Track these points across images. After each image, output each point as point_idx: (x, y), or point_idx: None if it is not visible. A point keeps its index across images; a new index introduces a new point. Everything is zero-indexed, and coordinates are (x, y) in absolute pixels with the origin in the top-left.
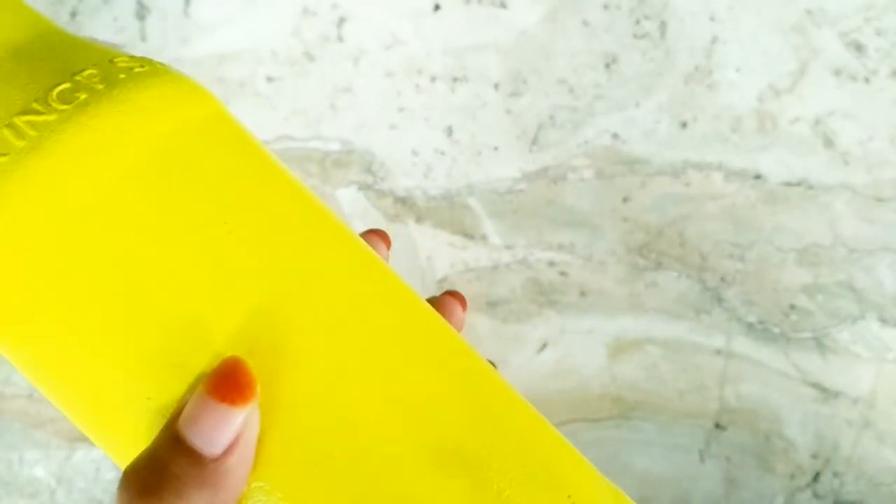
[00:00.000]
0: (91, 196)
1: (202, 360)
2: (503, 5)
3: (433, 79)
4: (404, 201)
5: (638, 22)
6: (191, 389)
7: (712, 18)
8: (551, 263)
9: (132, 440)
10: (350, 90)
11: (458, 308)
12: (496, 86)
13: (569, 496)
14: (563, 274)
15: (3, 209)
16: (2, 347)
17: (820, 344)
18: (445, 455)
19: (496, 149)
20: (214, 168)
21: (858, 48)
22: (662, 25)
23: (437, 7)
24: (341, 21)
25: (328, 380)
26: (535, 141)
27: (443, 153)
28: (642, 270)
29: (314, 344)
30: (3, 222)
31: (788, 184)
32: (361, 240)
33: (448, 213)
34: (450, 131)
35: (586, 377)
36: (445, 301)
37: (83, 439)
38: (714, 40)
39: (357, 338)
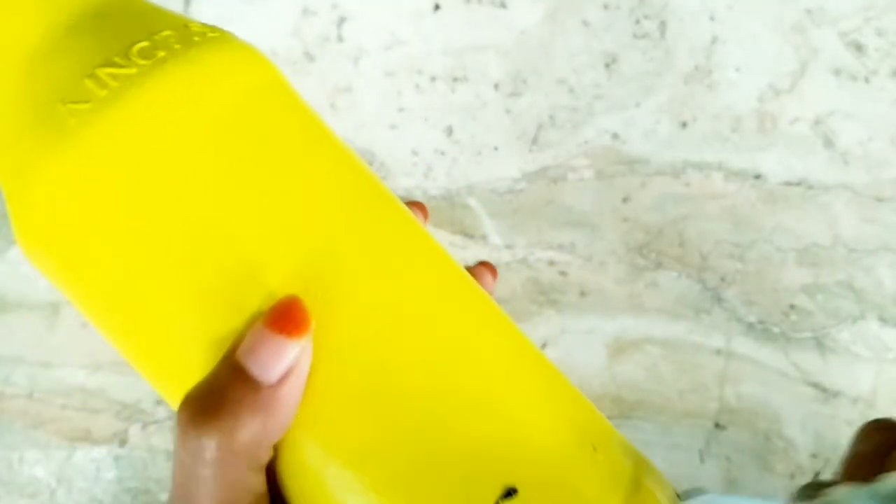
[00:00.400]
0: (163, 144)
1: (257, 300)
2: (503, 5)
3: (433, 79)
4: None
5: (638, 22)
6: (247, 326)
7: (712, 18)
8: (551, 263)
9: (186, 374)
10: (350, 90)
11: (488, 276)
12: (496, 86)
13: (594, 447)
14: (563, 274)
15: (83, 151)
16: (70, 284)
17: (820, 344)
18: (480, 403)
19: (496, 149)
20: (273, 126)
21: (858, 48)
22: (662, 25)
23: (437, 7)
24: (341, 21)
25: (370, 325)
26: (535, 141)
27: (443, 153)
28: (642, 270)
29: (359, 292)
30: (82, 163)
31: (788, 184)
32: (403, 204)
33: (448, 213)
34: (450, 131)
35: (586, 377)
36: (478, 270)
37: (83, 439)
38: (714, 40)
39: (398, 289)
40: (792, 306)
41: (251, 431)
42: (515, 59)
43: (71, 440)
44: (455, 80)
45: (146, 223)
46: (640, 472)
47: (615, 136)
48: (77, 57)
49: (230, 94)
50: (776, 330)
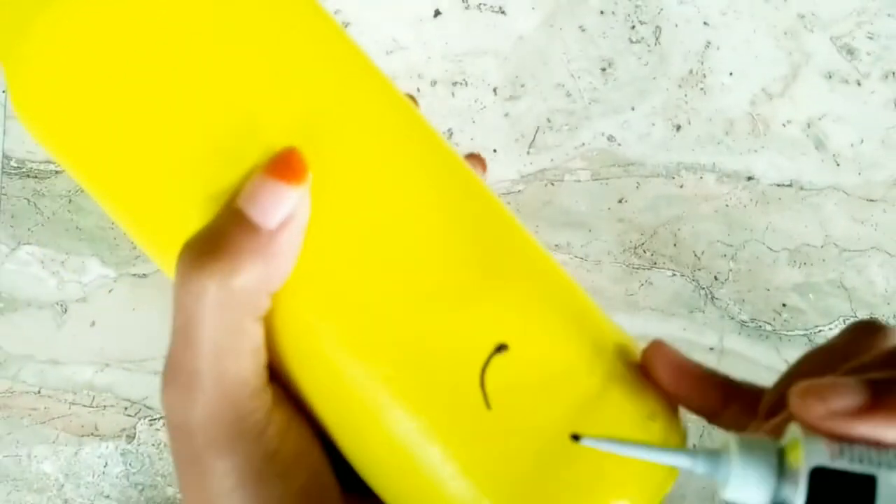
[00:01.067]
0: (155, 3)
1: (255, 155)
2: (502, 11)
3: (433, 83)
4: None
5: (633, 27)
6: (245, 178)
7: (706, 24)
8: None
9: (183, 230)
10: None
11: (478, 167)
12: (495, 90)
13: (581, 309)
14: None
15: (78, 5)
16: (67, 148)
17: (811, 342)
18: (471, 263)
19: (495, 151)
20: None
21: (850, 52)
22: (657, 31)
23: (437, 13)
24: (343, 26)
25: (363, 185)
26: (532, 144)
27: None
28: (637, 269)
29: (350, 154)
30: (77, 17)
31: (780, 185)
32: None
33: None
34: (450, 134)
35: None
36: (468, 159)
37: (91, 435)
38: (707, 45)
39: (387, 153)
40: (784, 305)
41: (251, 275)
42: (514, 63)
43: (79, 436)
44: (455, 84)
45: (143, 78)
46: (624, 362)
47: (611, 138)
48: None
49: None
50: (768, 328)
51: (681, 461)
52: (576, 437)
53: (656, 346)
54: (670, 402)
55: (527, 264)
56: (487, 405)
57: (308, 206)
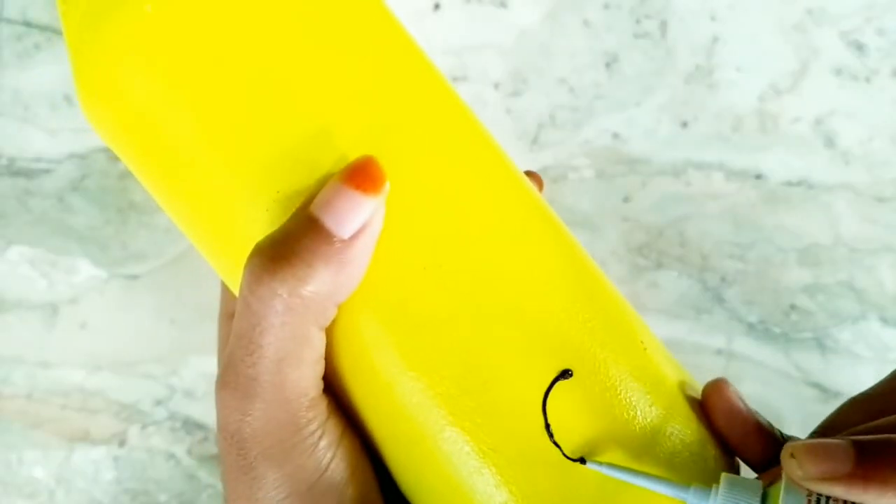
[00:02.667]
0: (235, 10)
1: (328, 161)
2: (503, 5)
3: None
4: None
5: (638, 21)
6: (319, 184)
7: (713, 18)
8: None
9: (251, 234)
10: None
11: (535, 184)
12: (496, 85)
13: (642, 341)
14: None
15: (157, 9)
16: (133, 146)
17: (821, 344)
18: (535, 289)
19: None
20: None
21: (859, 48)
22: (663, 25)
23: (437, 6)
24: None
25: (433, 199)
26: (535, 140)
27: None
28: (643, 270)
29: (420, 167)
30: (154, 21)
31: (789, 183)
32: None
33: None
34: None
35: None
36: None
37: (83, 439)
38: (715, 40)
39: (456, 170)
40: (793, 306)
41: (322, 282)
42: (516, 58)
43: (70, 441)
44: (455, 79)
45: (218, 82)
46: (682, 372)
47: (616, 135)
48: None
49: None
50: (777, 330)
51: (674, 493)
52: (581, 461)
53: (715, 388)
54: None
55: (592, 290)
56: (549, 430)
57: (382, 217)
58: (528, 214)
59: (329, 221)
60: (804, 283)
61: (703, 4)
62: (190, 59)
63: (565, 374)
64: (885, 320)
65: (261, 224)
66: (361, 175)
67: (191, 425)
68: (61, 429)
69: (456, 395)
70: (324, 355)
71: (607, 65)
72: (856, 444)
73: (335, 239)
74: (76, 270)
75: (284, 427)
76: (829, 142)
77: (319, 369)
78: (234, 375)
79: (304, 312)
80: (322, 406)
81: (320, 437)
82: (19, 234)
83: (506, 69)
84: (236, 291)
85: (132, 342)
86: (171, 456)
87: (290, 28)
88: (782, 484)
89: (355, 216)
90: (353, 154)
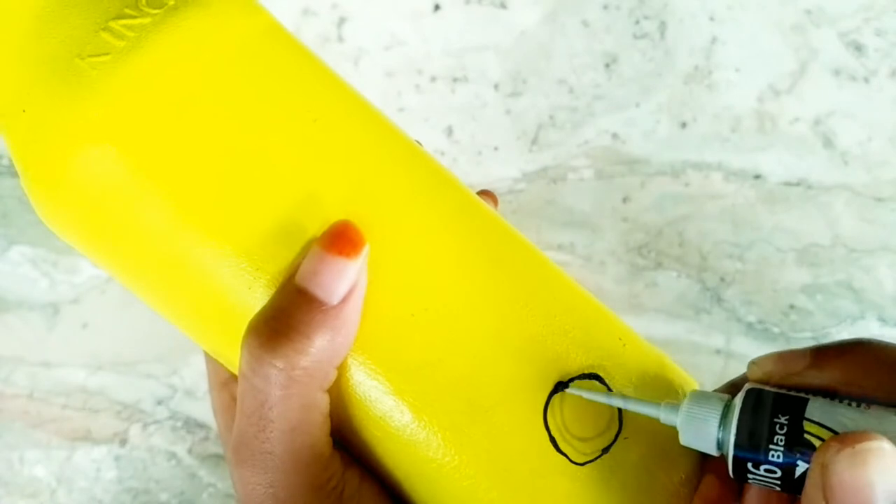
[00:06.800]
0: (188, 87)
1: (309, 230)
2: (503, 6)
3: (433, 79)
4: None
5: (637, 22)
6: (301, 254)
7: (712, 19)
8: None
9: (238, 313)
10: None
11: (490, 202)
12: (496, 86)
13: (620, 338)
14: None
15: (111, 101)
16: (103, 248)
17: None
18: (518, 313)
19: (496, 149)
20: (286, 66)
21: (858, 48)
22: (662, 26)
23: (436, 7)
24: (341, 21)
25: (410, 251)
26: (534, 141)
27: (443, 153)
28: (642, 270)
29: (394, 223)
30: (110, 113)
31: (788, 184)
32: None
33: None
34: (450, 131)
35: None
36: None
37: (84, 439)
38: (714, 40)
39: (430, 220)
40: (792, 306)
41: (321, 349)
42: (515, 59)
43: (71, 440)
44: (455, 80)
45: (181, 167)
46: (663, 362)
47: (615, 136)
48: (86, 13)
49: (239, 35)
50: (776, 330)
51: (648, 411)
52: (563, 385)
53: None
54: None
55: (567, 301)
56: (553, 442)
57: (366, 275)
58: (496, 242)
59: (318, 290)
60: (803, 283)
61: (702, 5)
62: (145, 149)
63: (559, 386)
64: (883, 320)
65: (246, 300)
66: (342, 240)
67: (192, 424)
68: (63, 428)
69: (463, 427)
70: (329, 413)
71: (606, 65)
72: (813, 348)
73: (326, 306)
74: (77, 270)
75: (308, 491)
76: (828, 142)
77: (328, 428)
78: (249, 453)
79: (309, 381)
80: (336, 461)
81: (342, 490)
82: (21, 234)
83: (505, 70)
84: (227, 365)
85: (133, 342)
86: (173, 455)
87: (238, 105)
88: (743, 388)
89: (342, 281)
90: (332, 220)
